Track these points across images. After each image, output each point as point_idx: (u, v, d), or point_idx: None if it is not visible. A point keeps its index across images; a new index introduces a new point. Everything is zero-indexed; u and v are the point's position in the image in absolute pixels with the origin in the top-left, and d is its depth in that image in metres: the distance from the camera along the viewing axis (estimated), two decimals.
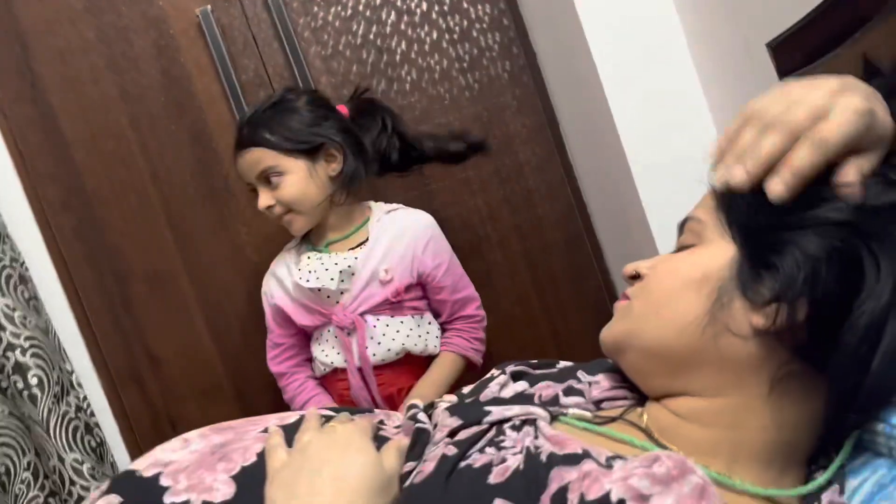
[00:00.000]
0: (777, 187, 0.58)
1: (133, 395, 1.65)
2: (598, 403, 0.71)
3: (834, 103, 0.57)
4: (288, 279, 1.39)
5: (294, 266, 1.40)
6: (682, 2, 1.34)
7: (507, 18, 1.67)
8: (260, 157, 1.31)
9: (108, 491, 0.68)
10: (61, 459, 1.51)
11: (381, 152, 1.42)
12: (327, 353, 1.40)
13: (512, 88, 1.69)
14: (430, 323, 1.44)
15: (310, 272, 1.36)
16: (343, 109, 1.42)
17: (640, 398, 0.71)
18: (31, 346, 1.48)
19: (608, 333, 0.70)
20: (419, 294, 1.42)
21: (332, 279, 1.34)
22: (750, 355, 0.60)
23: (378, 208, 1.44)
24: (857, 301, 0.55)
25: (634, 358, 0.68)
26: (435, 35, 1.67)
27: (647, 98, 1.38)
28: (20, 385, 1.47)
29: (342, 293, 1.36)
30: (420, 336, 1.40)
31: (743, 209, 0.62)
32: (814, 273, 0.56)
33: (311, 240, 1.43)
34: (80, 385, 1.60)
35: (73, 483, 1.51)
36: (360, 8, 1.64)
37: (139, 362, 1.65)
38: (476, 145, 1.46)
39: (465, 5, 1.66)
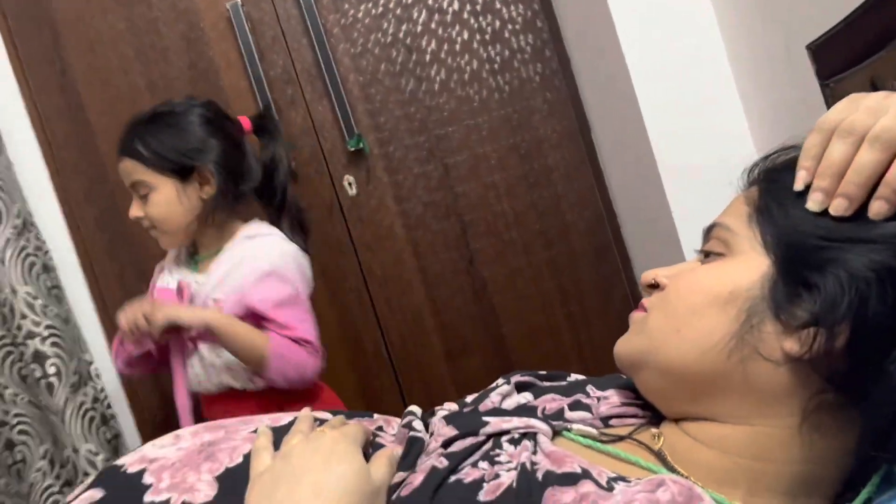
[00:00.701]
0: (882, 209, 0.53)
1: (149, 388, 1.65)
2: (605, 420, 0.66)
3: None
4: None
5: (161, 273, 1.37)
6: (721, 4, 1.29)
7: (540, 20, 1.64)
8: (130, 169, 1.27)
9: (93, 484, 0.67)
10: (76, 450, 1.51)
11: (269, 174, 1.36)
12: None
13: (543, 92, 1.65)
14: None
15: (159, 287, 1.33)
16: (245, 121, 1.37)
17: (653, 417, 0.66)
18: (51, 334, 1.48)
19: (623, 348, 0.66)
20: (252, 325, 1.27)
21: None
22: (780, 383, 0.55)
23: (245, 231, 1.32)
24: None
25: (651, 377, 0.63)
26: (466, 35, 1.64)
27: (681, 103, 1.34)
28: (38, 373, 1.48)
29: None
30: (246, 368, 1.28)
31: (783, 221, 0.57)
32: (860, 296, 0.51)
33: (194, 248, 1.38)
34: (98, 376, 1.60)
35: (87, 474, 1.51)
36: (392, 6, 1.62)
37: None
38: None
39: (498, 6, 1.63)
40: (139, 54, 1.59)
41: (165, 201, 1.26)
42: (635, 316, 0.67)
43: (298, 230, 1.38)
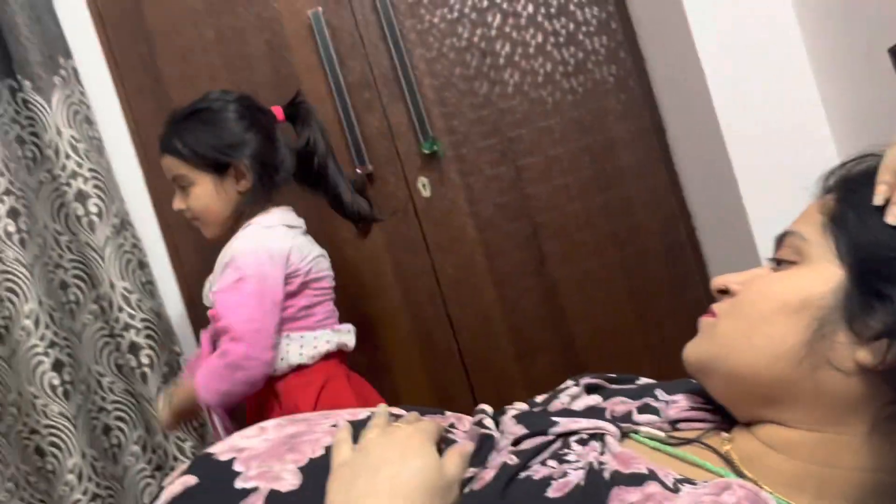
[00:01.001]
0: None
1: None
2: (673, 423, 0.67)
3: None
4: None
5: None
6: (801, 5, 1.27)
7: (615, 22, 1.64)
8: (171, 165, 1.35)
9: (188, 470, 0.71)
10: (166, 437, 1.60)
11: (306, 160, 1.40)
12: None
13: (617, 93, 1.65)
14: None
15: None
16: (278, 111, 1.41)
17: (723, 422, 0.67)
18: (145, 327, 1.57)
19: (692, 352, 0.67)
20: None
21: (205, 296, 1.39)
22: (851, 392, 0.56)
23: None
24: None
25: (720, 382, 0.64)
26: (540, 38, 1.65)
27: (758, 104, 1.32)
28: (133, 363, 1.57)
29: None
30: None
31: (859, 232, 0.57)
32: None
33: None
34: None
35: (175, 459, 1.60)
36: (467, 11, 1.65)
37: None
38: (362, 213, 1.44)
39: (573, 8, 1.64)
40: (226, 62, 1.67)
41: (204, 194, 1.33)
42: (705, 321, 0.68)
43: (352, 207, 1.43)
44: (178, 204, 1.37)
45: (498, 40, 1.65)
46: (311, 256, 1.35)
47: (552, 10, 1.64)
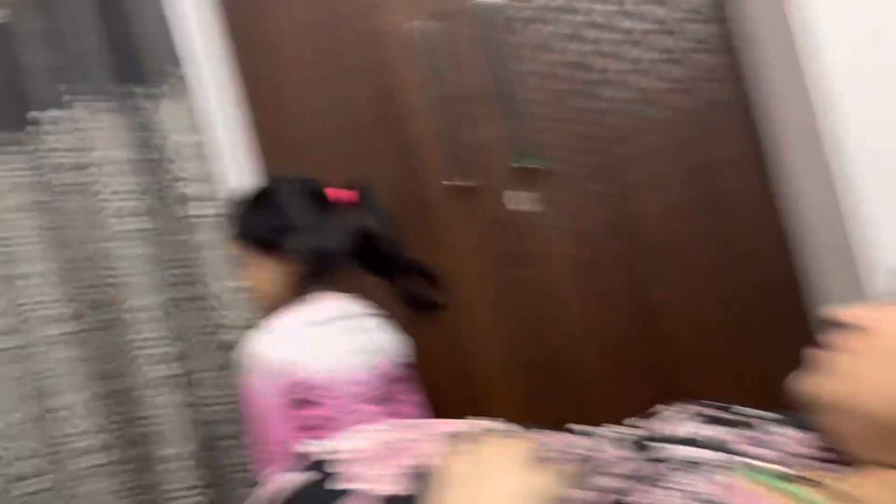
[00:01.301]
0: None
1: None
2: (787, 459, 0.64)
3: None
4: None
5: None
6: None
7: (730, 40, 1.59)
8: (231, 245, 1.40)
9: (288, 469, 0.74)
10: None
11: (373, 245, 1.35)
12: None
13: (728, 112, 1.60)
14: None
15: None
16: (343, 194, 1.36)
17: (837, 461, 0.63)
18: (247, 326, 1.63)
19: (814, 388, 0.63)
20: None
21: None
22: None
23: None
24: None
25: (846, 423, 0.61)
26: (649, 55, 1.62)
27: (882, 125, 1.25)
28: (234, 361, 1.63)
29: None
30: None
31: None
32: None
33: None
34: None
35: None
36: (570, 27, 1.63)
37: None
38: (429, 300, 1.36)
39: (685, 26, 1.60)
40: (337, 73, 1.69)
41: (256, 276, 1.36)
42: (826, 355, 0.64)
43: (423, 294, 1.37)
44: (241, 282, 1.44)
45: (605, 57, 1.63)
46: (325, 357, 1.23)
47: (664, 28, 1.61)
